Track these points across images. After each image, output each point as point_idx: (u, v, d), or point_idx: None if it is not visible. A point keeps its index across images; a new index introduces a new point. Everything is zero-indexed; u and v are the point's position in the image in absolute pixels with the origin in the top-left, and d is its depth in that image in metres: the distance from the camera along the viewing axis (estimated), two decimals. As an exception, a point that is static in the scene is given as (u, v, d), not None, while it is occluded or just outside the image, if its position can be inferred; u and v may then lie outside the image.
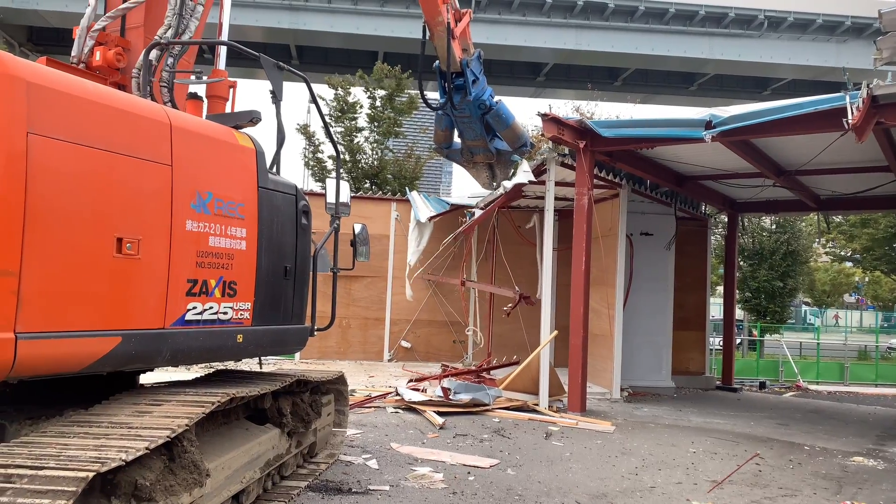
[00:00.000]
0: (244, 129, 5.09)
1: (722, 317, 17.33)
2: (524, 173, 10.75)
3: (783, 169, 11.35)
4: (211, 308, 4.44)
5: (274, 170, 5.20)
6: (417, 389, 10.07)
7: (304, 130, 23.39)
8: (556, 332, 10.60)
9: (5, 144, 3.35)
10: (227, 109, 5.83)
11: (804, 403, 13.44)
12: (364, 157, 22.82)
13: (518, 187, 11.09)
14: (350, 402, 7.49)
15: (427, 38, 8.08)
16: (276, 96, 5.19)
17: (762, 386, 16.47)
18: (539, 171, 10.79)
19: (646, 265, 12.80)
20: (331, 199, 5.69)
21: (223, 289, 4.53)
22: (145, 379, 4.90)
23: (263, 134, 4.72)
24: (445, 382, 9.86)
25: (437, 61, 8.28)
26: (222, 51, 6.22)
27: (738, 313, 25.52)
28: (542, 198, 11.07)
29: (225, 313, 4.55)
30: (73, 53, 5.14)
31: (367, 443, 7.23)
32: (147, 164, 4.05)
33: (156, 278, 4.08)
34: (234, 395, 4.25)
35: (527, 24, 35.29)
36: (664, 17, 35.65)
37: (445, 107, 8.59)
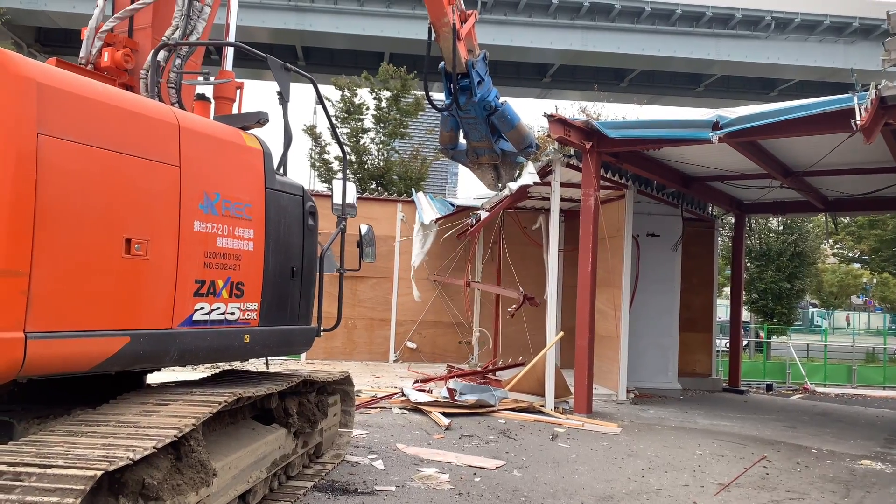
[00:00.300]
0: (251, 130, 5.10)
1: (729, 318, 17.30)
2: (529, 175, 10.72)
3: (790, 170, 11.31)
4: (218, 308, 4.46)
5: (281, 171, 5.21)
6: (423, 390, 10.07)
7: (311, 131, 23.40)
8: (562, 334, 10.58)
9: (16, 145, 3.37)
10: (235, 110, 5.86)
11: (811, 406, 13.38)
12: (370, 158, 22.82)
13: (523, 189, 11.05)
14: (356, 403, 7.51)
15: (433, 39, 8.08)
16: (283, 97, 5.19)
17: (769, 388, 16.42)
18: (544, 172, 10.77)
19: (652, 266, 12.77)
20: (337, 200, 5.70)
21: (230, 289, 4.54)
22: (152, 379, 4.92)
23: (270, 135, 4.75)
24: (451, 383, 9.85)
25: (443, 62, 8.28)
26: (229, 52, 6.25)
27: (745, 315, 25.48)
28: (548, 199, 11.05)
29: (232, 314, 4.57)
30: (81, 54, 5.17)
31: (373, 443, 7.23)
32: (155, 165, 4.07)
33: (164, 279, 4.10)
34: (240, 395, 4.27)
35: (533, 26, 35.28)
36: (671, 19, 35.59)
37: (451, 108, 8.60)
